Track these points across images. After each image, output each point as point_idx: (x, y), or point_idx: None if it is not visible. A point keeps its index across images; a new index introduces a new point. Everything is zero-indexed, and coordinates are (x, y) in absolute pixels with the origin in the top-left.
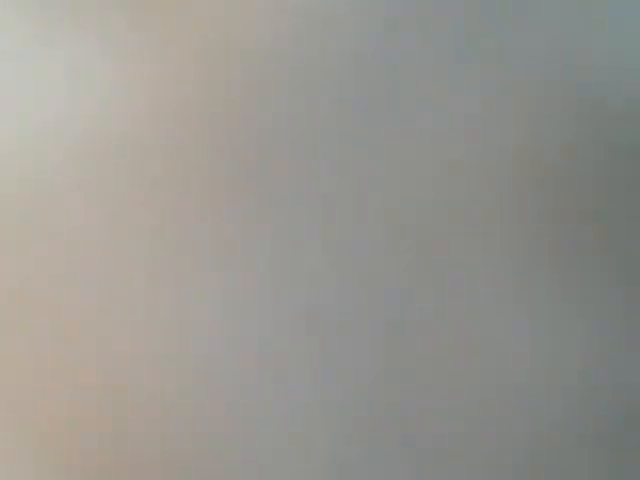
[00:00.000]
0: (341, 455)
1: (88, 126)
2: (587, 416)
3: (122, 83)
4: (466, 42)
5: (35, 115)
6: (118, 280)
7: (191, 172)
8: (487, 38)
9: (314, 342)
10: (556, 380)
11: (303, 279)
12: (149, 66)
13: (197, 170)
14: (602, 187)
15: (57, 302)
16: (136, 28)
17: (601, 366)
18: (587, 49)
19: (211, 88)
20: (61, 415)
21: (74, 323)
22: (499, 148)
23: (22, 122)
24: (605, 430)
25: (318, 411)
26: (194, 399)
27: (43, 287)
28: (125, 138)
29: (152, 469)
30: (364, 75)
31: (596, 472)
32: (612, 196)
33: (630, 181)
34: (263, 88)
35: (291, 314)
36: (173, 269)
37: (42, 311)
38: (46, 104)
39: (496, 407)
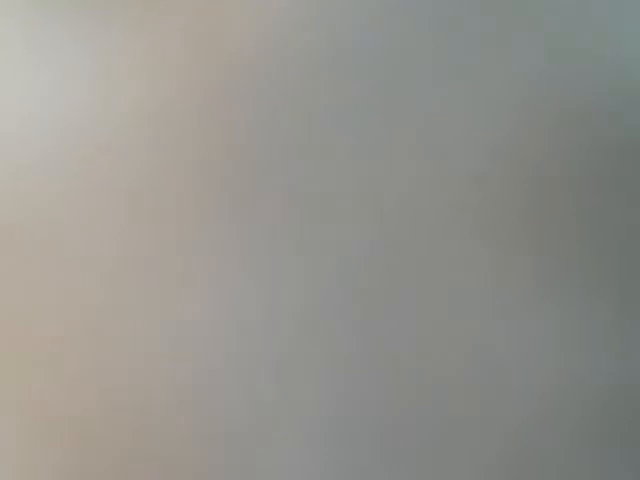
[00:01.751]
0: (340, 455)
1: (83, 126)
2: (585, 415)
3: (116, 83)
4: (464, 42)
5: (27, 115)
6: (118, 282)
7: (189, 172)
8: (485, 38)
9: (313, 342)
10: (552, 380)
11: (301, 280)
12: (145, 66)
13: (194, 170)
14: (597, 186)
15: (56, 304)
16: (130, 28)
17: (589, 364)
18: (586, 49)
19: (208, 87)
20: (61, 416)
21: (73, 324)
22: (495, 147)
23: (12, 122)
24: (602, 428)
25: (317, 411)
26: (194, 400)
27: (43, 291)
28: (120, 138)
29: (152, 470)
30: (360, 75)
31: (595, 471)
32: (605, 195)
33: (622, 180)
34: (259, 88)
35: (290, 315)
36: (171, 271)
37: (42, 313)
38: (40, 104)
39: (495, 407)
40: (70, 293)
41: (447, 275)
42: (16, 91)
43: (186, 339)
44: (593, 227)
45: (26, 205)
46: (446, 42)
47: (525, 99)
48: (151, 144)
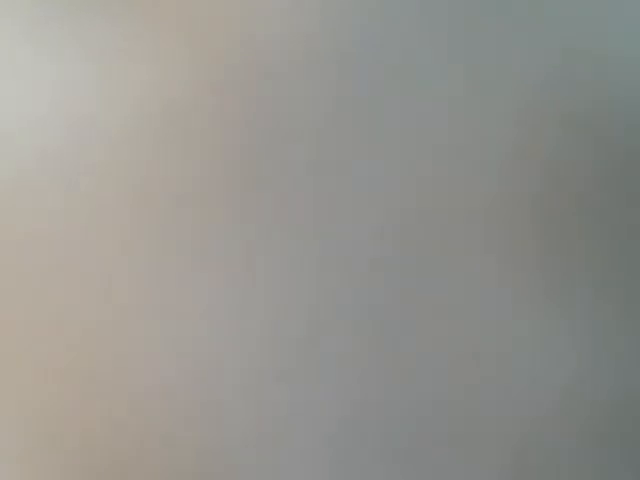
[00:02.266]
0: (339, 455)
1: (84, 126)
2: (591, 415)
3: (118, 83)
4: (465, 41)
5: (27, 115)
6: (118, 282)
7: (191, 172)
8: (487, 37)
9: (314, 342)
10: (558, 380)
11: (305, 282)
12: (147, 66)
13: (195, 170)
14: (603, 187)
15: (57, 303)
16: (133, 28)
17: (593, 365)
18: (589, 50)
19: (210, 87)
20: (61, 416)
21: (74, 324)
22: (501, 149)
23: (6, 123)
24: (608, 429)
25: (317, 412)
26: (196, 399)
27: (43, 289)
28: (122, 138)
29: (152, 471)
30: (363, 74)
31: (596, 471)
32: (611, 197)
33: (629, 182)
34: (260, 88)
35: (291, 314)
36: (173, 269)
37: (43, 313)
38: (42, 104)
39: (499, 408)
40: (70, 293)
41: (453, 275)
42: (18, 91)
43: (188, 340)
44: (599, 228)
45: (26, 205)
46: (449, 44)
47: (530, 102)
48: (152, 144)
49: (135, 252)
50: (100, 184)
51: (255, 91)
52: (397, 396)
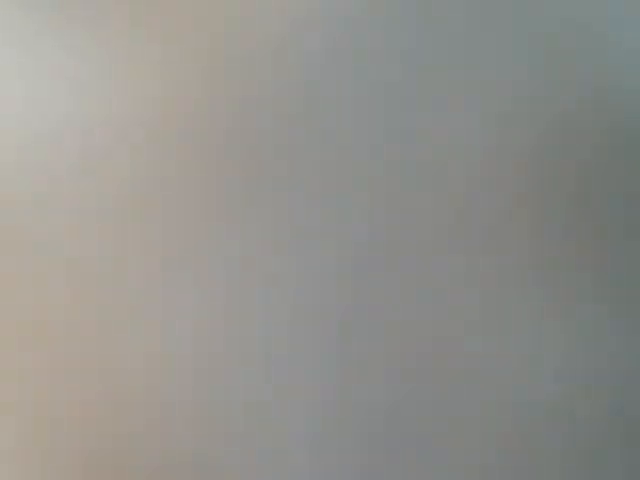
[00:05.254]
0: (340, 453)
1: (84, 127)
2: (584, 416)
3: (116, 86)
4: (465, 42)
5: (27, 116)
6: (118, 281)
7: (189, 173)
8: (487, 37)
9: (313, 342)
10: (550, 380)
11: (302, 278)
12: (145, 69)
13: (195, 171)
14: (597, 186)
15: (57, 303)
16: (134, 27)
17: (593, 365)
18: (586, 48)
19: (210, 89)
20: (61, 415)
21: (74, 324)
22: (495, 147)
23: (10, 122)
24: (601, 429)
25: (317, 410)
26: (194, 399)
27: (43, 288)
28: (121, 139)
29: (152, 469)
30: (364, 76)
31: (594, 472)
32: (609, 197)
33: (621, 181)
34: (262, 90)
35: (291, 313)
36: (172, 269)
37: (42, 312)
38: (42, 104)
39: (494, 407)
40: (71, 293)
41: (453, 276)
42: (17, 91)
43: (187, 340)
44: (599, 228)
45: (25, 206)
46: (449, 44)
47: (530, 102)
48: (151, 145)
49: (135, 251)
50: (100, 184)
51: (255, 91)
52: (396, 397)
